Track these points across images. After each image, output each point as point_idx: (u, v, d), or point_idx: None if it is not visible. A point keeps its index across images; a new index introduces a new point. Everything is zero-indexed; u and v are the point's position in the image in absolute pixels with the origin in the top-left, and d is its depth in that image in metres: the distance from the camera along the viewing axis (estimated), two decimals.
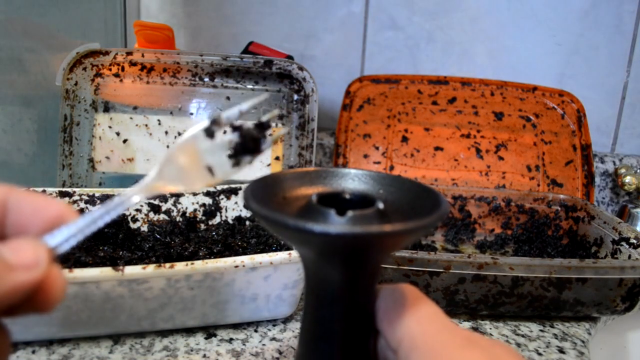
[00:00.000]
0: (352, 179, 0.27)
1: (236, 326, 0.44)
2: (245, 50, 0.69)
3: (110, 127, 0.63)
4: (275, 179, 0.27)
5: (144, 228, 0.53)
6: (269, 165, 0.63)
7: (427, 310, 0.23)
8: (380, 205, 0.24)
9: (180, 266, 0.37)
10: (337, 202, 0.25)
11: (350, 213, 0.23)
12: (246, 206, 0.23)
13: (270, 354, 0.40)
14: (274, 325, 0.44)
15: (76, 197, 0.52)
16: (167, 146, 0.63)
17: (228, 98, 0.63)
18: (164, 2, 0.83)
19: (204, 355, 0.40)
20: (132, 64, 0.63)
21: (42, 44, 0.64)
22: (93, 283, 0.36)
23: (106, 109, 0.63)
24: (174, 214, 0.54)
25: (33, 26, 0.62)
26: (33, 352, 0.39)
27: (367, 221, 0.23)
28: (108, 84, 0.63)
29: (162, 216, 0.54)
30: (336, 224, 0.23)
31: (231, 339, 0.42)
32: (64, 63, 0.62)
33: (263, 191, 0.25)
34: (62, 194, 0.52)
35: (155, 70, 0.63)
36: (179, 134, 0.63)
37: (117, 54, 0.62)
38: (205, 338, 0.42)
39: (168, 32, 0.66)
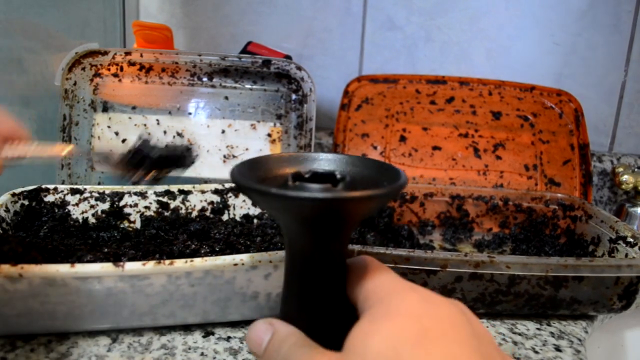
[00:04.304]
0: (326, 161, 0.32)
1: (234, 324, 0.44)
2: (244, 50, 0.70)
3: (109, 126, 0.63)
4: (259, 161, 0.31)
5: (149, 225, 0.53)
6: None
7: (385, 274, 0.27)
8: (341, 185, 0.28)
9: (180, 263, 0.37)
10: (313, 180, 0.28)
11: (316, 185, 0.27)
12: (231, 179, 0.27)
13: None
14: None
15: (87, 195, 0.53)
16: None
17: (226, 98, 0.64)
18: (163, 2, 0.83)
19: (202, 354, 0.40)
20: (131, 64, 0.63)
21: (42, 44, 0.64)
22: (95, 278, 0.37)
23: (105, 109, 0.63)
24: (182, 211, 0.54)
25: (32, 26, 0.62)
26: (32, 350, 0.39)
27: (330, 192, 0.27)
28: (107, 84, 0.63)
29: (169, 213, 0.54)
30: (299, 192, 0.26)
31: (229, 337, 0.42)
32: (63, 63, 0.63)
33: (249, 171, 0.29)
34: (74, 191, 0.53)
35: (153, 70, 0.63)
36: (178, 133, 0.63)
37: (116, 54, 0.62)
38: (203, 336, 0.42)
39: (167, 32, 0.66)
